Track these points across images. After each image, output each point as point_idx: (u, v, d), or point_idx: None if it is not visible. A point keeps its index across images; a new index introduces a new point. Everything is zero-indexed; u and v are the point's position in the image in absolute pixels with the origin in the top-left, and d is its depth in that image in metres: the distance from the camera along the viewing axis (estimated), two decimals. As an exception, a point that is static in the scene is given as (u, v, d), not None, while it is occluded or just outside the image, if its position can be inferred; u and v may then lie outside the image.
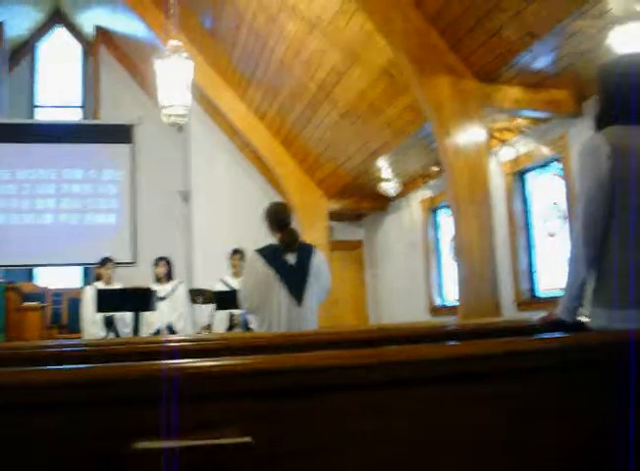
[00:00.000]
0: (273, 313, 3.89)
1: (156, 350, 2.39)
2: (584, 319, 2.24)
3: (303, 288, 3.94)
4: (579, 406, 1.56)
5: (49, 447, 1.18)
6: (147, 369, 1.28)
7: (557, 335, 1.79)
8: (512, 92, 5.79)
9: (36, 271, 10.72)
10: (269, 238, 4.15)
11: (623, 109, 2.23)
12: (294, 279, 3.94)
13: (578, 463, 1.53)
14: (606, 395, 1.57)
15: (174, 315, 6.71)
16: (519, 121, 6.66)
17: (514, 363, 1.53)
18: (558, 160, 6.35)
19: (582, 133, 5.56)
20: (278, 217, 4.11)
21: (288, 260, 3.98)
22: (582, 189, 2.20)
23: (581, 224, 2.17)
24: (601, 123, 2.28)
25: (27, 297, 7.52)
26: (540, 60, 5.33)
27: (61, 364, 1.38)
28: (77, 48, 11.50)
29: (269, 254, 3.99)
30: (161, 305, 6.51)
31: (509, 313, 6.39)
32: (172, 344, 2.57)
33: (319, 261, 4.07)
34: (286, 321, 3.88)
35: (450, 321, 5.78)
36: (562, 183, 6.23)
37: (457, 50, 5.54)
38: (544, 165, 6.69)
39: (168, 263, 6.86)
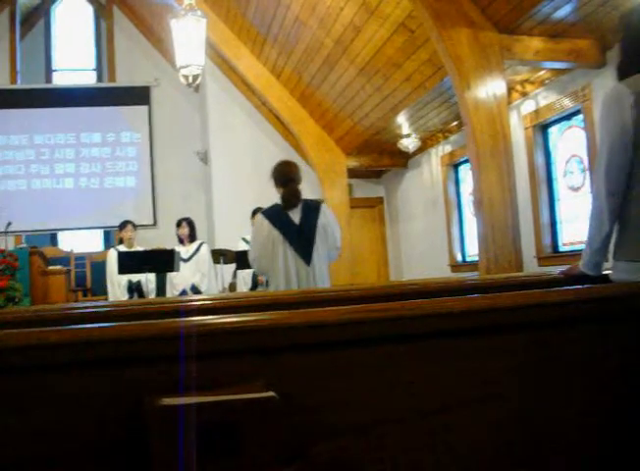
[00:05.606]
0: (281, 274, 3.87)
1: (176, 309, 2.41)
2: (607, 272, 2.21)
3: (310, 248, 3.89)
4: (600, 357, 1.55)
5: (72, 406, 1.20)
6: (166, 326, 1.29)
7: (576, 287, 1.76)
8: (533, 43, 5.65)
9: (59, 235, 10.82)
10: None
11: (646, 57, 2.16)
12: (300, 239, 3.90)
13: (603, 411, 1.53)
14: (627, 346, 1.56)
15: (197, 276, 6.77)
16: (541, 73, 6.52)
17: (533, 316, 1.52)
18: (580, 112, 6.22)
19: (606, 84, 5.43)
20: (279, 174, 4.05)
21: (293, 220, 3.94)
22: (604, 140, 2.15)
23: (603, 175, 2.12)
24: (624, 71, 2.21)
25: (52, 261, 7.60)
26: (561, 9, 5.19)
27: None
28: (89, 10, 11.39)
29: (274, 215, 3.96)
30: (185, 266, 6.56)
31: (530, 268, 6.36)
32: (191, 303, 2.59)
33: (326, 219, 3.99)
34: (296, 281, 3.86)
35: (470, 276, 5.76)
36: (585, 135, 6.12)
37: (476, 1, 5.41)
38: (566, 117, 6.57)
39: (190, 224, 6.89)
